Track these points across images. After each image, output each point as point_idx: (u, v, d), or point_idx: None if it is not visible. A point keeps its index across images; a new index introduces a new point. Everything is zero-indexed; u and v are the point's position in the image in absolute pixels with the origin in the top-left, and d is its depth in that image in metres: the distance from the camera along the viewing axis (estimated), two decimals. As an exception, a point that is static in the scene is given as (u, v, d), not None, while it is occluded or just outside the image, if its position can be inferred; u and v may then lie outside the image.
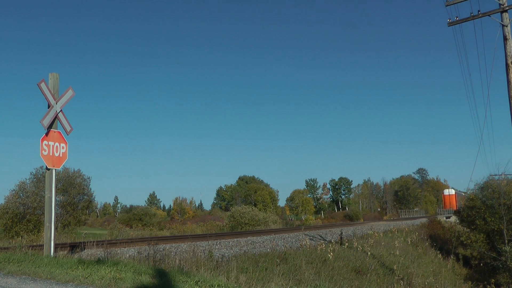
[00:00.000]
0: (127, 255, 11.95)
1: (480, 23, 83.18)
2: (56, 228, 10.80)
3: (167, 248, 14.12)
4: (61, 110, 9.90)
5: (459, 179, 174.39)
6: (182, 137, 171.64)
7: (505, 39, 13.97)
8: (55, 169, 9.73)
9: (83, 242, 13.60)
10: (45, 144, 9.57)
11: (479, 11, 14.65)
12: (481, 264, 25.21)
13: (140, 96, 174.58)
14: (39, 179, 24.31)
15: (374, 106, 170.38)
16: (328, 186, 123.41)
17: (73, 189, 26.06)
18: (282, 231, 27.24)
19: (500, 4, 14.25)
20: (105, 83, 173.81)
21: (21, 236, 20.17)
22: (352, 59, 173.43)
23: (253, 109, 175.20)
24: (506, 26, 14.03)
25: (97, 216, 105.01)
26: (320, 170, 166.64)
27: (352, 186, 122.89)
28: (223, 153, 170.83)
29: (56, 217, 9.92)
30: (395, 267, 16.49)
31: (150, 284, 6.42)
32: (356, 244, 20.69)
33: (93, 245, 12.54)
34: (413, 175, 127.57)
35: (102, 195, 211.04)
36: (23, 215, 23.08)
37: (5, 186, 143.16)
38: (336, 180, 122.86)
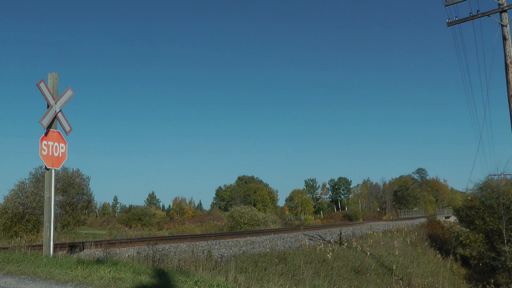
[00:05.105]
0: (126, 255, 11.94)
1: (480, 23, 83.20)
2: (55, 228, 10.79)
3: (166, 248, 14.12)
4: (60, 110, 9.89)
5: (458, 179, 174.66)
6: (181, 137, 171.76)
7: (504, 39, 13.98)
8: (55, 169, 9.72)
9: (82, 242, 13.59)
10: (44, 144, 9.56)
11: (478, 11, 14.66)
12: (480, 264, 25.22)
13: (140, 96, 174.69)
14: (38, 179, 24.29)
15: (374, 106, 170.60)
16: (328, 186, 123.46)
17: (73, 189, 26.05)
18: (281, 231, 27.24)
19: (499, 4, 14.27)
20: (105, 83, 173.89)
21: (20, 236, 20.12)
22: (352, 59, 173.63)
23: (253, 109, 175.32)
24: (505, 26, 14.04)
25: (97, 216, 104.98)
26: (320, 170, 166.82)
27: (351, 186, 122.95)
28: (222, 153, 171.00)
29: (55, 217, 9.91)
30: (394, 267, 16.50)
31: (149, 284, 6.42)
32: (355, 244, 20.69)
33: (92, 245, 12.53)
34: (412, 175, 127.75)
35: (101, 195, 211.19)
36: (22, 215, 23.06)
37: (4, 186, 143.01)
38: (336, 180, 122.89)
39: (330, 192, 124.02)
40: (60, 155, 9.84)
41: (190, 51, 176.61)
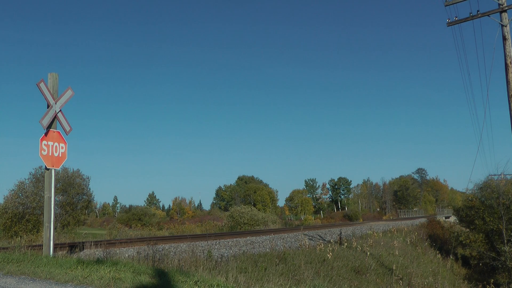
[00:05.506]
0: (126, 255, 11.94)
1: (480, 23, 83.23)
2: (55, 228, 10.79)
3: (166, 248, 14.12)
4: (60, 110, 9.89)
5: (458, 179, 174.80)
6: (181, 137, 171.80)
7: (504, 39, 13.98)
8: (54, 169, 9.72)
9: (82, 242, 13.58)
10: (44, 144, 9.56)
11: (478, 11, 14.66)
12: (480, 264, 25.23)
13: (140, 96, 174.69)
14: (38, 179, 24.29)
15: (374, 106, 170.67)
16: (328, 186, 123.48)
17: (73, 189, 26.05)
18: (281, 231, 27.23)
19: (499, 4, 14.26)
20: (105, 83, 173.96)
21: (20, 236, 20.11)
22: (352, 59, 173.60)
23: (253, 109, 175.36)
24: (505, 26, 14.04)
25: (97, 216, 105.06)
26: (320, 170, 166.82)
27: (351, 186, 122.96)
28: (222, 153, 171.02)
29: (55, 217, 9.91)
30: (394, 267, 16.49)
31: (149, 284, 6.41)
32: (355, 244, 20.68)
33: (92, 245, 12.53)
34: (412, 175, 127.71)
35: (101, 195, 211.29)
36: (22, 215, 23.06)
37: (4, 186, 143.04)
38: (336, 180, 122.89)
39: (330, 192, 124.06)
40: (60, 155, 9.84)
41: (190, 51, 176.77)
